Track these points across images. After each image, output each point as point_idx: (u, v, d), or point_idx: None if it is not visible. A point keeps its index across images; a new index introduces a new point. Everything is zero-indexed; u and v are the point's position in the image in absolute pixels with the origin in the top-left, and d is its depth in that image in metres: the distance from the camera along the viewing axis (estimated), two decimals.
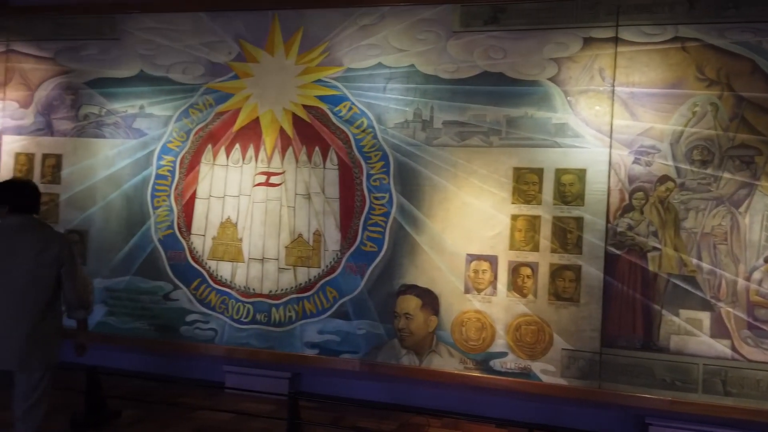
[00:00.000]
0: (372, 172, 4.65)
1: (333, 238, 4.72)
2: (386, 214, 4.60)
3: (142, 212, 5.11)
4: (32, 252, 2.91)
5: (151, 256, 5.07)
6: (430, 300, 4.47)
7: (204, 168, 5.01)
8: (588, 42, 4.26)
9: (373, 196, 4.64)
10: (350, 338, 4.63)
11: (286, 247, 4.82)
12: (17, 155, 5.41)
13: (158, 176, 5.10)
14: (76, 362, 5.11)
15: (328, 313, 4.70)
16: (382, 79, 4.63)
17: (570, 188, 4.24)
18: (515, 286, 4.31)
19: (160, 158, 5.10)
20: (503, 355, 4.31)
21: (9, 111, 5.43)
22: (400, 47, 4.61)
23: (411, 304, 4.51)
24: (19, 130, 5.42)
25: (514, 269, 4.32)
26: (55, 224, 5.29)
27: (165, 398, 4.59)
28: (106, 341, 5.11)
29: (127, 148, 5.16)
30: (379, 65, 4.64)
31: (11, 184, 3.11)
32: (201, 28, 5.00)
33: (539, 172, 4.30)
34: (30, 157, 5.38)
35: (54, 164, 5.32)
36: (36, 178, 5.35)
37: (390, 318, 4.55)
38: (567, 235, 4.23)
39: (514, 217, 4.34)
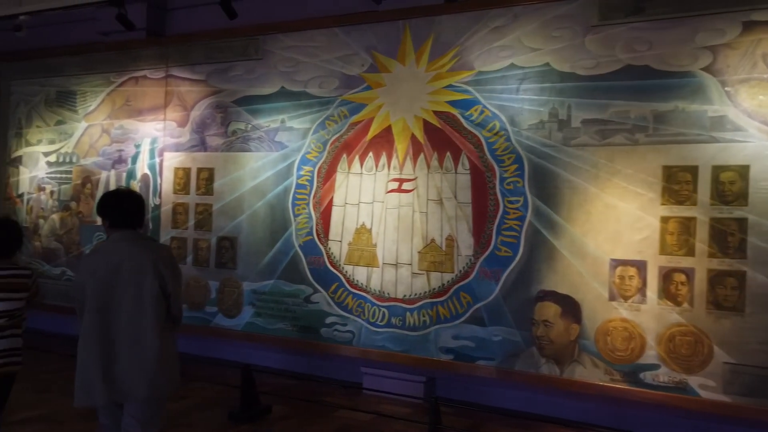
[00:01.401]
0: (505, 175, 4.56)
1: (466, 243, 4.70)
2: (521, 218, 4.50)
3: (284, 220, 5.43)
4: (135, 272, 2.65)
5: (292, 260, 5.37)
6: (570, 307, 4.29)
7: (340, 176, 5.22)
8: (748, 26, 3.86)
9: (507, 200, 4.55)
10: (486, 344, 4.57)
11: (419, 252, 4.87)
12: (176, 170, 6.00)
13: (298, 186, 5.39)
14: (231, 359, 5.57)
15: (463, 318, 4.68)
16: (514, 80, 4.54)
17: (730, 187, 3.87)
18: (668, 293, 4.00)
19: (299, 169, 5.39)
20: (655, 367, 4.02)
21: (169, 130, 6.04)
22: (533, 46, 4.49)
23: (550, 311, 4.36)
24: (177, 147, 6.01)
25: (666, 275, 4.01)
26: (208, 232, 5.79)
27: (309, 396, 4.83)
28: (253, 340, 5.50)
29: (270, 160, 5.52)
30: (512, 66, 4.56)
31: (111, 197, 2.84)
32: (336, 43, 5.23)
33: (693, 170, 3.97)
34: (186, 172, 5.94)
35: (207, 177, 5.82)
36: (192, 190, 5.90)
37: (527, 325, 4.43)
38: (728, 238, 3.86)
39: (665, 220, 4.04)
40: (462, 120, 4.73)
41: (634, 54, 4.17)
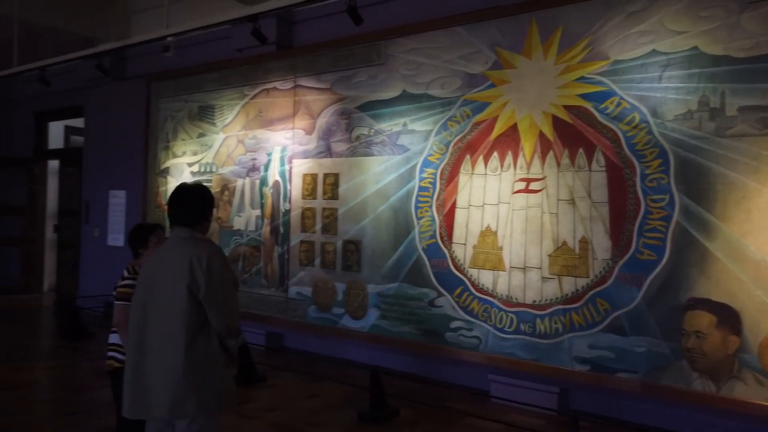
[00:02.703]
0: (647, 171, 4.19)
1: (602, 246, 4.38)
2: (666, 218, 4.10)
3: (407, 223, 5.42)
4: (170, 275, 2.40)
5: (416, 264, 5.34)
6: (727, 317, 3.83)
7: (463, 178, 5.11)
8: None
9: (649, 199, 4.18)
10: (627, 355, 4.22)
11: (549, 255, 4.62)
12: (304, 176, 6.23)
13: (421, 188, 5.36)
14: (357, 360, 5.67)
15: (600, 326, 4.36)
16: (656, 68, 4.16)
17: None
18: None
19: (422, 171, 5.36)
20: None
21: (297, 138, 6.30)
22: (678, 29, 4.09)
23: (703, 320, 3.92)
24: (305, 154, 6.24)
25: None
26: (334, 236, 5.94)
27: (435, 401, 4.76)
28: (379, 342, 5.54)
29: (392, 163, 5.54)
30: (653, 53, 4.18)
31: (174, 191, 2.61)
32: (458, 42, 5.14)
33: None
34: (314, 177, 6.15)
35: (333, 182, 5.99)
36: (318, 195, 6.09)
37: (676, 336, 4.02)
38: None
39: None
40: (596, 114, 4.42)
41: None
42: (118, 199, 8.38)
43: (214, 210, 6.84)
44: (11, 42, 6.92)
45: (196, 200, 2.56)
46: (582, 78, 4.49)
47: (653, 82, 4.17)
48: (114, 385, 3.07)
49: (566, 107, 4.57)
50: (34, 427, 4.10)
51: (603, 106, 4.39)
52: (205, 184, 7.11)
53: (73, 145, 10.22)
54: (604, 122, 4.39)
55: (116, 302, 3.07)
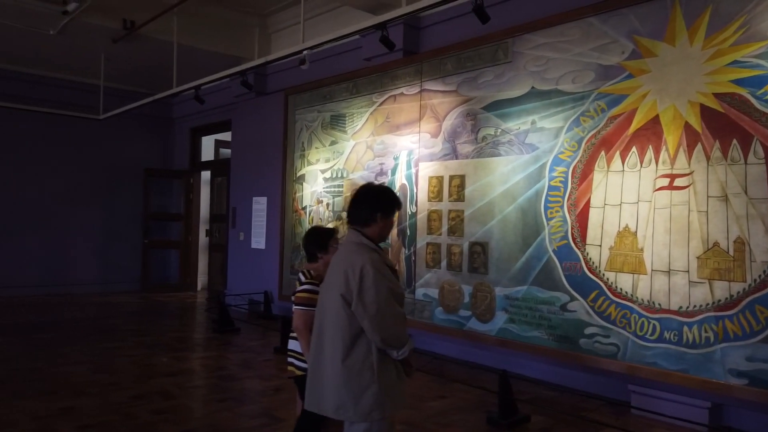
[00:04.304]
0: None
1: (761, 247, 3.92)
2: None
3: (536, 224, 5.25)
4: (334, 282, 2.46)
5: (546, 266, 5.15)
6: None
7: (597, 176, 4.85)
8: None
9: None
10: None
11: (697, 257, 4.23)
12: (430, 179, 6.29)
13: (551, 188, 5.17)
14: (484, 364, 5.59)
15: (759, 336, 3.90)
16: None
17: None
18: None
19: (551, 170, 5.16)
20: None
21: (423, 141, 6.38)
22: None
23: None
24: (430, 157, 6.30)
25: None
26: (460, 237, 5.92)
27: (569, 409, 4.55)
28: (508, 346, 5.41)
29: (520, 163, 5.41)
30: None
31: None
32: (590, 34, 4.90)
33: None
34: (439, 180, 6.19)
35: (459, 184, 5.98)
36: (444, 197, 6.11)
37: None
38: None
39: None
40: (753, 100, 3.98)
41: None
42: (260, 205, 9.06)
43: (346, 214, 7.19)
44: (171, 65, 7.79)
45: (364, 201, 2.55)
46: (735, 62, 4.07)
47: None
48: (298, 390, 3.13)
49: (717, 95, 4.16)
50: (190, 410, 4.55)
51: (761, 91, 3.94)
52: (337, 189, 7.48)
53: (221, 157, 11.25)
54: (764, 109, 3.93)
55: (295, 307, 3.07)
